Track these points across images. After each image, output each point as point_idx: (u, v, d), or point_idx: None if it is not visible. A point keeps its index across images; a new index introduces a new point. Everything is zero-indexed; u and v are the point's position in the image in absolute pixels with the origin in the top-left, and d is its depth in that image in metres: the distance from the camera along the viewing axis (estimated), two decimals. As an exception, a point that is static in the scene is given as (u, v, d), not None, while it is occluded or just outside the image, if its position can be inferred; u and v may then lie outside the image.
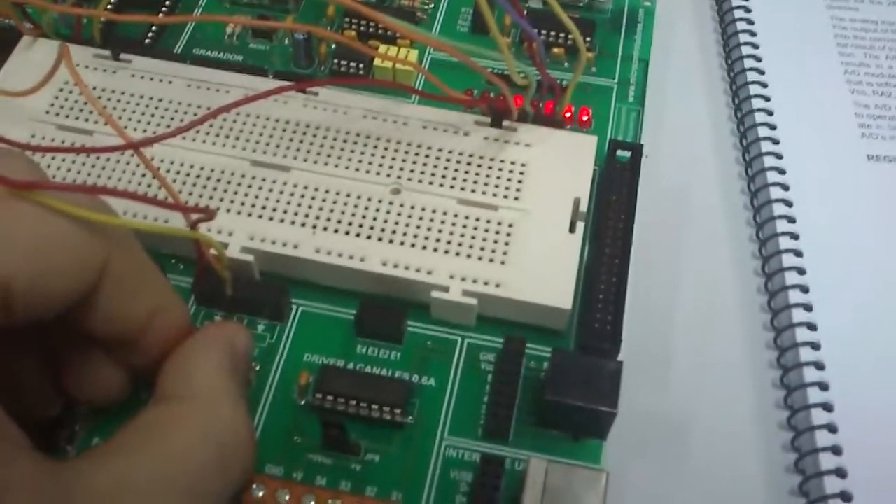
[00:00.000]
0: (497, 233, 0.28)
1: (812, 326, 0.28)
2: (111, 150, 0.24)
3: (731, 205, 0.33)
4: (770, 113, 0.33)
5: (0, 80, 0.31)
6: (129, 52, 0.32)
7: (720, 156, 0.34)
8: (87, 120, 0.30)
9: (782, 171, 0.32)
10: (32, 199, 0.19)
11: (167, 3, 0.35)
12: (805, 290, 0.29)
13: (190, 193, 0.28)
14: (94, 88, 0.31)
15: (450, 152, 0.30)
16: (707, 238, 0.32)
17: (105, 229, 0.21)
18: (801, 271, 0.30)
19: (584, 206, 0.29)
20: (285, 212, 0.28)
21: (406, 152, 0.30)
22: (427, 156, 0.30)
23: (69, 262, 0.20)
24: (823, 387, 0.27)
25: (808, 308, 0.29)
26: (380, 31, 0.34)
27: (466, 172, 0.29)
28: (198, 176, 0.29)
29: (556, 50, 0.34)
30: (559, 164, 0.30)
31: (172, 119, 0.30)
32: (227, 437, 0.22)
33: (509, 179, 0.29)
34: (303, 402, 0.26)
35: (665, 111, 0.35)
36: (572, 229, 0.28)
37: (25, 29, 0.32)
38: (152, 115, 0.30)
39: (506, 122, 0.30)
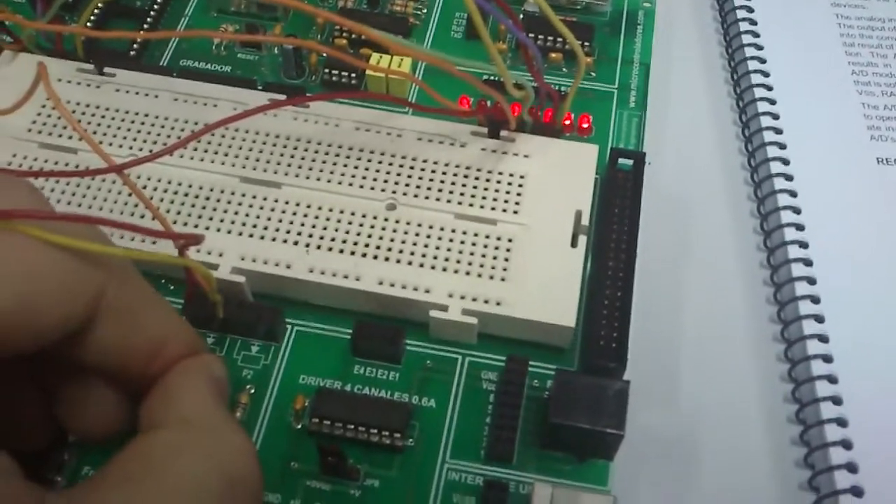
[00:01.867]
0: (496, 248, 0.27)
1: (824, 338, 0.28)
2: (93, 173, 0.23)
3: (738, 212, 0.32)
4: (776, 117, 0.32)
5: (-20, 97, 0.30)
6: (113, 66, 0.31)
7: (725, 161, 0.33)
8: (70, 138, 0.29)
9: (790, 178, 0.31)
10: (20, 229, 0.18)
11: (152, 13, 0.34)
12: (816, 300, 0.28)
13: (178, 213, 0.28)
14: (78, 104, 0.30)
15: (446, 165, 0.29)
16: (713, 247, 0.31)
17: (101, 260, 0.20)
18: (812, 281, 0.29)
19: (585, 219, 0.28)
20: (277, 230, 0.27)
21: (401, 166, 0.29)
22: (423, 169, 0.29)
23: (56, 297, 0.19)
24: (837, 401, 0.27)
25: (820, 319, 0.28)
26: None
27: (464, 186, 0.28)
28: (185, 194, 0.28)
29: (553, 55, 0.33)
30: (559, 175, 0.29)
31: (159, 135, 0.29)
32: (236, 467, 0.20)
33: (508, 192, 0.28)
34: (299, 427, 0.26)
35: (667, 116, 0.34)
36: (574, 243, 0.27)
37: (5, 43, 0.31)
38: (138, 132, 0.29)
39: (503, 133, 0.29)
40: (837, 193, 0.31)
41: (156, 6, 0.34)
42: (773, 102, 0.33)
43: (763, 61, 0.34)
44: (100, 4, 0.33)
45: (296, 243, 0.27)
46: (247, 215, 0.27)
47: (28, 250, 0.18)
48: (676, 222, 0.31)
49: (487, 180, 0.28)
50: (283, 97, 0.30)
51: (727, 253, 0.31)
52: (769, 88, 0.33)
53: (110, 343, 0.20)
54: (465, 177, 0.28)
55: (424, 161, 0.29)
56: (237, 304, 0.26)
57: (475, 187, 0.28)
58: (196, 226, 0.27)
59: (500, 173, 0.29)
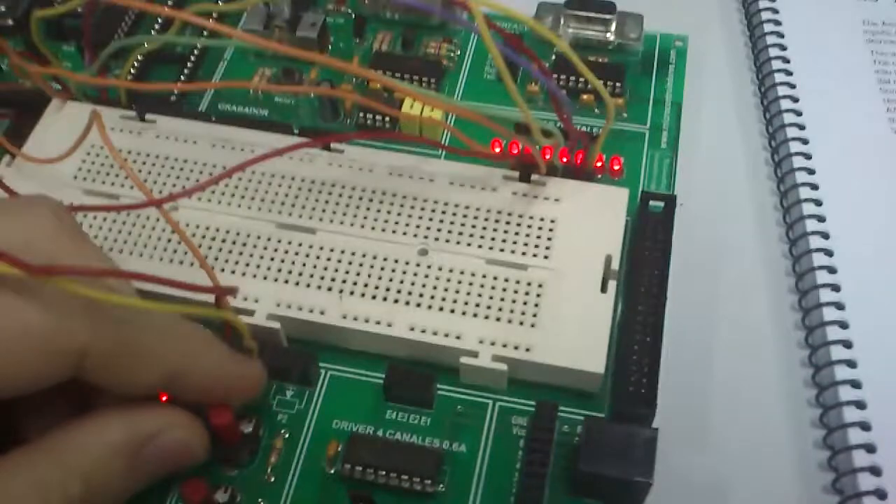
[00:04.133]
0: (527, 294, 0.27)
1: (856, 384, 0.27)
2: (133, 207, 0.24)
3: (770, 254, 0.31)
4: (808, 157, 0.32)
5: (31, 144, 0.31)
6: (154, 112, 0.32)
7: (757, 202, 0.33)
8: (112, 184, 0.30)
9: (822, 219, 0.31)
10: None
11: (192, 58, 0.35)
12: (848, 345, 0.28)
13: (216, 258, 0.28)
14: (121, 150, 0.31)
15: (477, 209, 0.29)
16: (744, 289, 0.31)
17: (91, 311, 0.20)
18: (844, 325, 0.28)
19: (615, 264, 0.28)
20: (311, 276, 0.28)
21: (433, 210, 0.29)
22: (454, 213, 0.29)
23: (31, 356, 0.20)
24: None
25: (852, 365, 0.28)
26: (405, 80, 0.34)
27: (495, 230, 0.29)
28: (223, 240, 0.29)
29: (585, 96, 0.34)
30: (590, 219, 0.29)
31: (198, 180, 0.30)
32: None
33: (538, 237, 0.28)
34: (332, 472, 0.26)
35: (699, 156, 0.34)
36: (604, 289, 0.27)
37: (54, 92, 0.32)
38: (177, 177, 0.30)
39: (534, 176, 0.30)
40: (869, 227, 0.30)
41: (195, 52, 0.35)
42: (805, 142, 0.33)
43: (796, 100, 0.34)
44: (141, 55, 0.34)
45: (329, 289, 0.28)
46: (282, 261, 0.28)
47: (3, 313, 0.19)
48: (707, 262, 0.31)
49: (518, 224, 0.29)
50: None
51: (759, 295, 0.31)
52: (802, 128, 0.33)
53: (105, 383, 0.21)
54: (497, 221, 0.29)
55: (456, 205, 0.29)
56: (272, 349, 0.27)
57: (506, 232, 0.29)
58: (233, 272, 0.28)
59: (531, 217, 0.29)
